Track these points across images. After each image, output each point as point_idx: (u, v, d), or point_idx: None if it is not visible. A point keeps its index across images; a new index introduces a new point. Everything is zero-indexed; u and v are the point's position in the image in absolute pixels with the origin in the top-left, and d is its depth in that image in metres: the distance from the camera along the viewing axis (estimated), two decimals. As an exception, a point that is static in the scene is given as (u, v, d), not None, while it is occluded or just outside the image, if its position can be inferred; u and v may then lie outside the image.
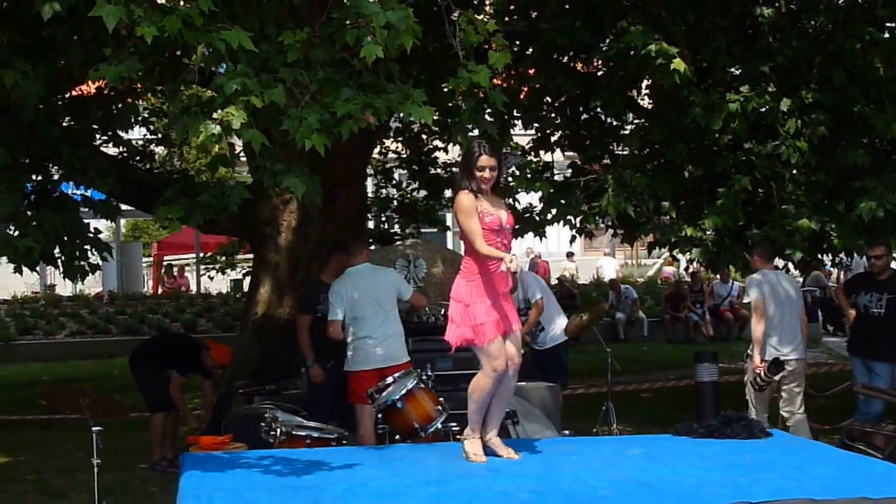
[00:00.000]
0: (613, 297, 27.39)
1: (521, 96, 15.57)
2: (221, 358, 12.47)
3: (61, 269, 11.84)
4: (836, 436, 11.61)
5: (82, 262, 11.76)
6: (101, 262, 12.26)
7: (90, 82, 11.61)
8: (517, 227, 15.09)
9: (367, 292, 10.34)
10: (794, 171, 13.36)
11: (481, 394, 8.07)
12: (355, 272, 10.54)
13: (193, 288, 31.52)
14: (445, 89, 9.37)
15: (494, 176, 8.18)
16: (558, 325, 13.05)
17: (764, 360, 11.44)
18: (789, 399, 11.66)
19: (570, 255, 32.67)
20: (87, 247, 11.80)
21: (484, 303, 7.98)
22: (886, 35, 13.59)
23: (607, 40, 13.92)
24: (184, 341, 13.53)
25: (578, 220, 14.43)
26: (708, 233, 13.29)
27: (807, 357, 11.84)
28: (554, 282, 27.64)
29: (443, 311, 11.22)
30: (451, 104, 10.16)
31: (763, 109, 13.06)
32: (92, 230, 11.96)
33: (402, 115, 8.89)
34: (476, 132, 10.64)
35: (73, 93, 13.43)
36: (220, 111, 7.95)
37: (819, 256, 15.20)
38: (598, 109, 14.91)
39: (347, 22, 8.36)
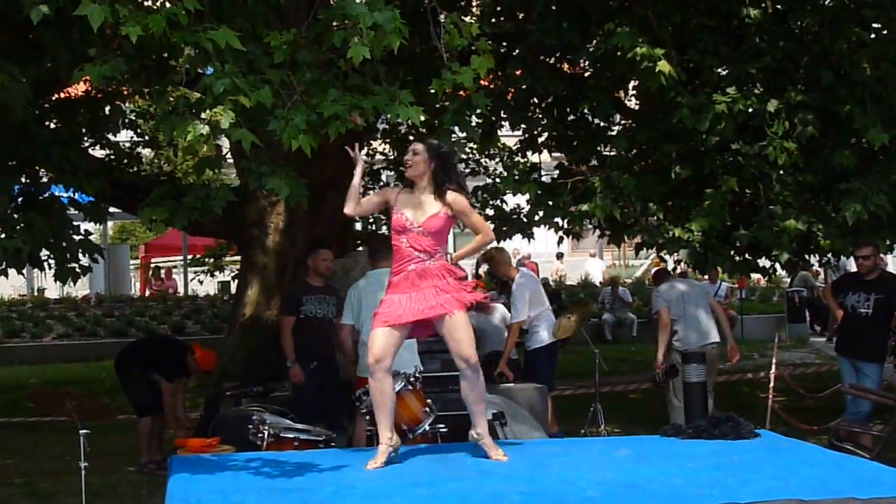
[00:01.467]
0: (608, 295, 27.41)
1: (509, 97, 15.58)
2: (207, 363, 12.37)
3: (51, 270, 11.83)
4: (824, 436, 11.64)
5: (73, 264, 11.75)
6: (91, 265, 12.25)
7: (77, 84, 11.61)
8: (504, 228, 15.13)
9: (376, 298, 10.26)
10: (782, 172, 13.39)
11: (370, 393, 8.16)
12: (371, 276, 10.49)
13: (181, 290, 31.47)
14: (432, 90, 9.33)
15: (414, 161, 7.92)
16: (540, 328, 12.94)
17: (664, 363, 12.92)
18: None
19: (559, 255, 32.66)
20: (78, 249, 11.80)
21: (388, 296, 8.07)
22: (873, 36, 13.61)
23: (594, 41, 13.93)
24: (170, 344, 13.46)
25: (565, 221, 14.44)
26: (695, 234, 13.29)
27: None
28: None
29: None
30: (437, 105, 10.15)
31: (750, 110, 13.07)
32: (82, 232, 11.95)
33: (389, 116, 8.88)
34: (459, 134, 10.64)
35: (61, 95, 13.42)
36: (208, 111, 7.95)
37: (806, 257, 15.23)
38: (586, 111, 14.92)
39: (334, 23, 8.35)
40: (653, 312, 13.12)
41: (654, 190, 13.75)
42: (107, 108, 13.84)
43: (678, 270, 27.26)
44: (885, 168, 13.12)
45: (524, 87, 15.04)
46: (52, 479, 11.72)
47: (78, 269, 11.92)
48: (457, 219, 8.01)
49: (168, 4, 7.85)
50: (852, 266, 14.16)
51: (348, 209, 7.99)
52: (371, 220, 21.22)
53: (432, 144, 8.04)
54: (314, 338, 11.35)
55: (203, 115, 8.00)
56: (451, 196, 7.92)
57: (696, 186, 13.93)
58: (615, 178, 13.55)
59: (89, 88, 13.65)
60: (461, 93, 9.82)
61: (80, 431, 8.26)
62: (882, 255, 13.24)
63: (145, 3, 8.04)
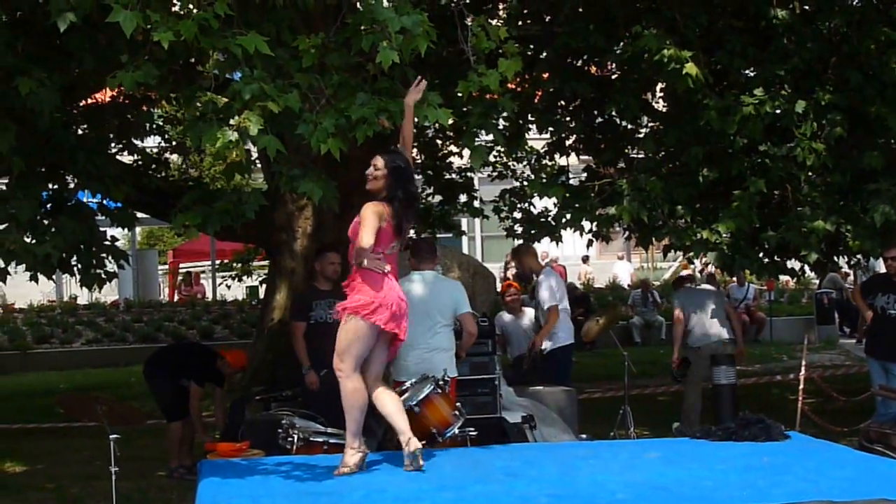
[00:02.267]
0: (637, 297, 27.36)
1: (536, 100, 15.56)
2: (238, 362, 12.41)
3: (78, 276, 11.86)
4: (854, 438, 11.60)
5: (99, 270, 11.79)
6: (117, 270, 12.28)
7: (106, 90, 11.63)
8: (532, 231, 15.12)
9: (423, 301, 10.24)
10: (810, 173, 13.32)
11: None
12: (417, 278, 10.47)
13: (209, 295, 31.55)
14: (458, 92, 9.32)
15: (375, 175, 8.14)
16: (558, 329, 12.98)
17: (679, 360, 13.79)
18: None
19: (585, 259, 32.60)
20: (104, 255, 11.83)
21: None
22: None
23: (621, 43, 13.90)
24: (199, 350, 13.45)
25: (593, 224, 14.42)
26: (723, 236, 13.26)
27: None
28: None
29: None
30: (465, 109, 10.13)
31: (778, 112, 13.00)
32: (108, 238, 11.98)
33: (416, 119, 8.87)
34: (485, 137, 10.63)
35: (89, 101, 13.47)
36: (236, 117, 7.96)
37: (835, 258, 15.17)
38: (613, 114, 14.89)
39: (362, 27, 8.35)
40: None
41: (681, 192, 13.71)
42: (135, 113, 13.87)
43: (706, 272, 27.30)
44: (915, 169, 13.05)
45: (551, 90, 15.03)
46: (82, 483, 11.76)
47: (104, 275, 11.94)
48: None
49: (195, 10, 7.86)
50: (882, 267, 14.12)
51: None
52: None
53: (389, 158, 8.11)
54: (322, 344, 11.25)
55: (231, 122, 8.01)
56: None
57: (723, 188, 13.89)
58: (642, 180, 13.52)
59: (116, 94, 13.70)
60: (488, 96, 9.80)
61: (110, 436, 8.30)
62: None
63: (174, 8, 8.04)
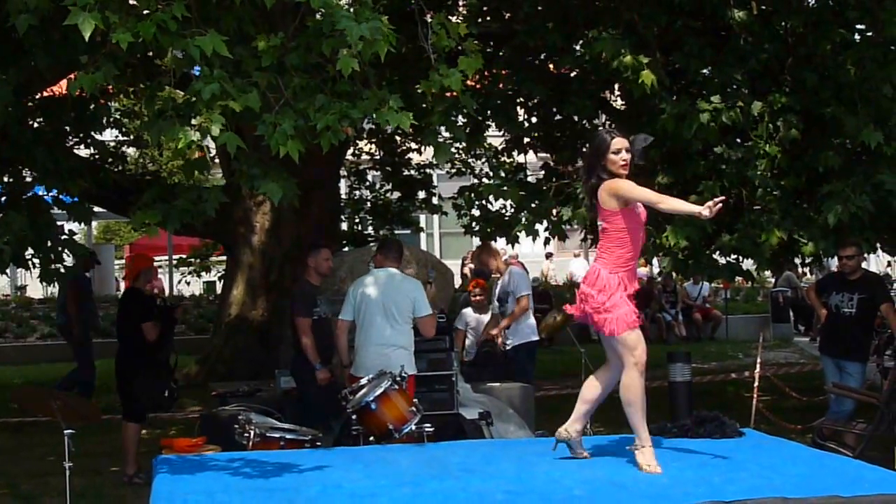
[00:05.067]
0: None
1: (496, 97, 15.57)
2: (143, 263, 12.62)
3: (32, 271, 11.77)
4: (808, 435, 11.69)
5: (58, 265, 11.70)
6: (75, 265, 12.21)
7: (62, 83, 11.56)
8: (489, 230, 15.11)
9: (381, 298, 10.25)
10: (767, 174, 13.35)
11: (634, 395, 7.76)
12: (378, 275, 10.47)
13: (166, 290, 31.34)
14: (420, 90, 9.30)
15: (628, 160, 7.65)
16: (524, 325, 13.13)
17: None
18: None
19: (549, 255, 32.68)
20: (62, 249, 11.75)
21: (622, 293, 7.65)
22: (857, 37, 13.62)
23: (580, 43, 13.91)
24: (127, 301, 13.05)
25: (548, 226, 14.38)
26: (679, 240, 13.24)
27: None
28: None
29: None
30: (424, 105, 10.12)
31: (734, 118, 12.98)
32: (66, 232, 11.90)
33: (377, 121, 8.86)
34: (445, 134, 10.64)
35: (45, 93, 13.37)
36: (198, 117, 7.92)
37: (789, 258, 15.24)
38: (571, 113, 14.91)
39: (322, 29, 8.31)
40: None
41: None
42: (92, 107, 13.79)
43: (664, 273, 27.39)
44: (869, 168, 13.09)
45: (509, 91, 15.00)
46: (35, 480, 11.68)
47: (62, 270, 11.86)
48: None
49: (157, 11, 7.80)
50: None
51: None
52: (357, 221, 21.27)
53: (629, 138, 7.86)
54: (327, 338, 11.17)
55: (193, 122, 7.97)
56: None
57: (679, 190, 13.90)
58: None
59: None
60: (448, 94, 9.79)
61: (65, 432, 8.25)
62: (865, 255, 13.27)
63: (131, 2, 7.98)
